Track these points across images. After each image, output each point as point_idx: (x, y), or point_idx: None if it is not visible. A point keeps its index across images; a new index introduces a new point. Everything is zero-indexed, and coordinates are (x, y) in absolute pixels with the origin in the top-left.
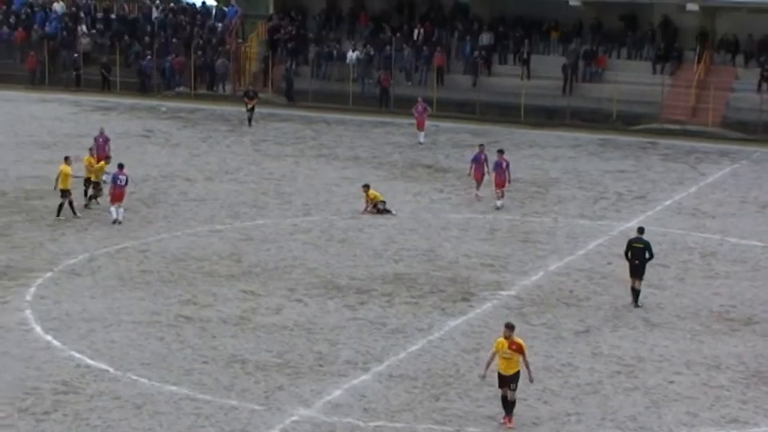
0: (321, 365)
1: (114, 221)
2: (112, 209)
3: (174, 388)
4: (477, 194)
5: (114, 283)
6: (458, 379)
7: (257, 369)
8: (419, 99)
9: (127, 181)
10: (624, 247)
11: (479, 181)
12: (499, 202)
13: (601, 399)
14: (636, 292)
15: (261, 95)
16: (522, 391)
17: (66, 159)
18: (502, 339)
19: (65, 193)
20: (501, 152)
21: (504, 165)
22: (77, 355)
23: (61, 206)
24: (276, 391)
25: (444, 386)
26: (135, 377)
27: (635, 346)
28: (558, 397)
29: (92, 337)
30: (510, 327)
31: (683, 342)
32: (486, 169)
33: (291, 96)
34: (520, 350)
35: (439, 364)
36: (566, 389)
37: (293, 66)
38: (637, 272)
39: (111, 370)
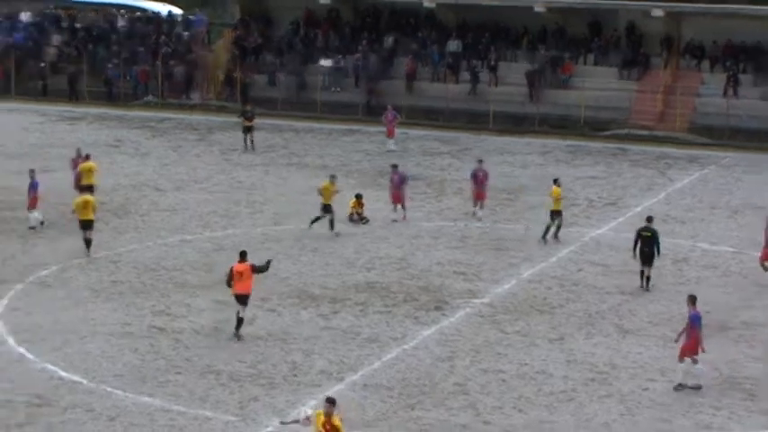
0: (295, 375)
1: (32, 228)
2: (32, 215)
3: (148, 399)
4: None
5: (86, 295)
6: (432, 388)
7: (231, 380)
8: (389, 107)
9: (37, 185)
10: (633, 236)
11: (396, 203)
12: (479, 213)
13: (575, 406)
14: (646, 278)
15: (228, 104)
16: (498, 399)
17: (332, 178)
18: (321, 413)
19: (327, 208)
20: (480, 162)
21: (481, 175)
22: (51, 367)
23: (332, 221)
24: (251, 402)
25: (419, 395)
26: (109, 389)
27: (609, 353)
28: (532, 405)
29: (65, 348)
30: (331, 402)
31: (657, 349)
32: (400, 190)
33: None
34: None
35: (413, 374)
36: (540, 396)
37: (262, 75)
38: (647, 259)
39: (85, 382)
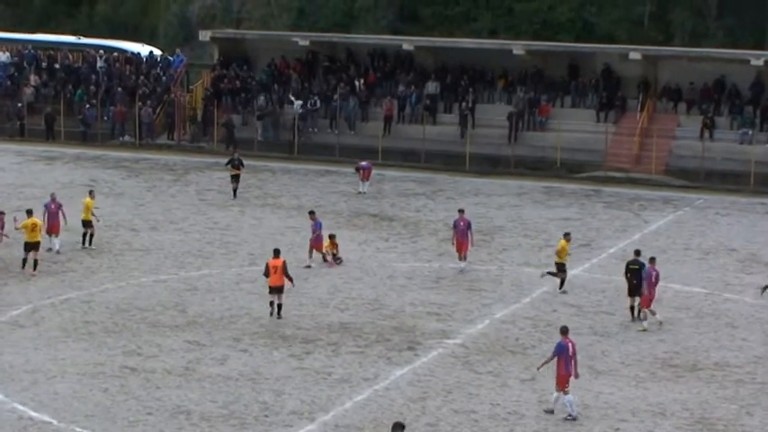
0: (267, 416)
1: None
2: None
3: None
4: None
5: (58, 335)
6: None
7: (202, 420)
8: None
9: None
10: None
11: (317, 250)
12: (462, 264)
13: None
14: (638, 310)
15: (204, 145)
16: None
17: (567, 236)
18: None
19: (561, 267)
20: (461, 212)
21: (463, 225)
22: (20, 408)
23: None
24: None
25: None
26: (79, 429)
27: (580, 394)
28: None
29: (35, 389)
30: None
31: (629, 389)
32: (319, 238)
33: (230, 144)
34: None
35: (385, 414)
36: None
37: (238, 115)
38: (635, 291)
39: (55, 422)
